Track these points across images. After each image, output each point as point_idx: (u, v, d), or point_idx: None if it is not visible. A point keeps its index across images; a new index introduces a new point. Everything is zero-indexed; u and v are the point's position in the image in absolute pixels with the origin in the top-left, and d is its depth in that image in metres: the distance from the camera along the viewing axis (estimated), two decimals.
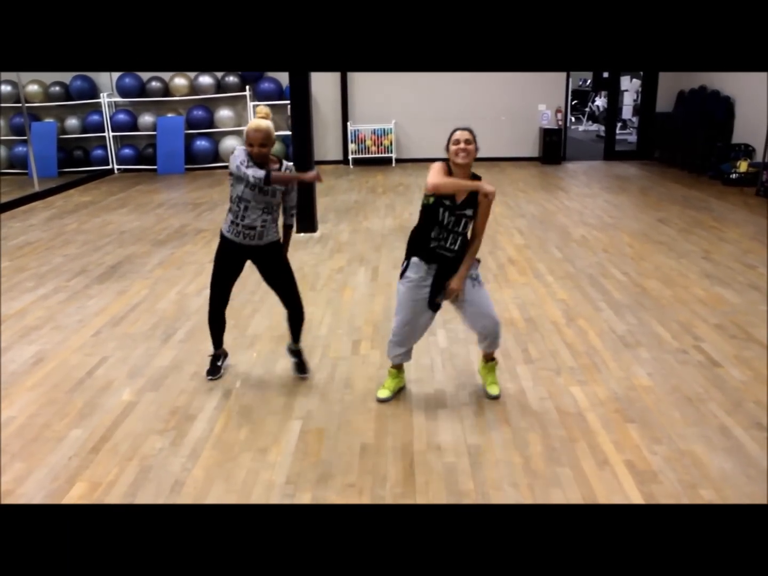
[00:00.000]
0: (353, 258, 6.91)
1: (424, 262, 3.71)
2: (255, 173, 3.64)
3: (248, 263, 4.09)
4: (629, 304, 5.38)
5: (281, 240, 4.11)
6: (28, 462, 3.41)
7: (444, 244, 3.66)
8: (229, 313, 5.37)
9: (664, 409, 3.78)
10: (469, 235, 3.73)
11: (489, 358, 3.99)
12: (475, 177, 3.66)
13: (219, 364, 4.33)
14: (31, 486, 3.21)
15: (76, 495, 3.14)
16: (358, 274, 6.36)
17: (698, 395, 3.93)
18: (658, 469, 3.23)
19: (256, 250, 3.98)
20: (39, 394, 4.12)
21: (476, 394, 4.00)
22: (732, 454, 3.34)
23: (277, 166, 3.88)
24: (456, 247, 3.68)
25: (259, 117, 3.79)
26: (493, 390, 3.96)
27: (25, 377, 4.35)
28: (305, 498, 3.10)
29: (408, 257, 3.79)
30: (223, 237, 4.00)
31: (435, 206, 3.61)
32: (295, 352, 4.31)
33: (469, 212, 3.63)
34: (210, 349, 4.38)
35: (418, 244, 3.73)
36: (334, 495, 3.11)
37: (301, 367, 4.28)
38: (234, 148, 3.82)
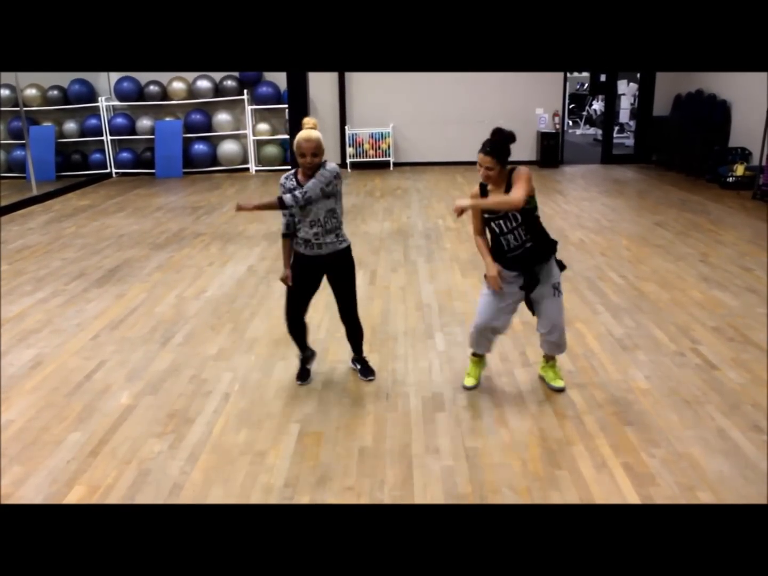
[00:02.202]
0: None
1: (507, 270, 3.84)
2: (292, 200, 3.72)
3: None
4: (627, 307, 5.39)
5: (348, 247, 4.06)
6: (27, 465, 3.41)
7: (517, 243, 3.76)
8: (228, 316, 5.40)
9: (662, 412, 3.79)
10: (532, 220, 3.75)
11: (549, 358, 4.12)
12: (510, 172, 3.69)
13: (309, 366, 4.34)
14: (30, 489, 3.21)
15: (74, 498, 3.14)
16: (357, 278, 6.35)
17: (696, 398, 3.94)
18: (655, 471, 3.24)
19: (320, 260, 3.96)
20: (37, 397, 4.12)
21: (474, 397, 4.01)
22: (729, 456, 3.35)
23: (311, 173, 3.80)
24: (525, 238, 3.75)
25: (308, 128, 3.76)
26: (558, 383, 4.08)
27: (23, 380, 4.35)
28: (303, 501, 3.10)
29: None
30: (294, 252, 4.02)
31: (485, 224, 3.83)
32: (358, 360, 4.34)
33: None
34: (210, 349, 4.37)
35: (495, 255, 3.87)
36: (332, 498, 3.11)
37: (365, 371, 4.29)
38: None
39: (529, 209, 3.69)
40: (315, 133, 3.72)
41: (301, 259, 4.00)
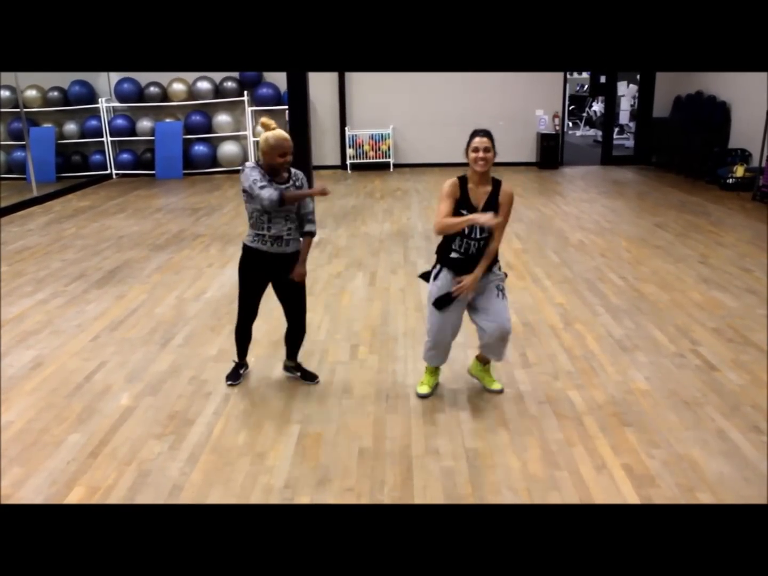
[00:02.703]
0: (351, 263, 6.92)
1: (452, 272, 3.78)
2: (270, 196, 3.66)
3: None
4: (627, 309, 5.39)
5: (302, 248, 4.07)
6: (27, 466, 3.41)
7: (472, 251, 3.72)
8: (228, 318, 5.39)
9: (662, 413, 3.79)
10: (486, 242, 3.75)
11: (485, 362, 4.07)
12: (496, 182, 3.72)
13: (241, 372, 4.34)
14: (30, 490, 3.21)
15: (74, 499, 3.14)
16: (356, 279, 6.37)
17: (695, 399, 3.94)
18: (655, 472, 3.24)
19: (281, 258, 3.96)
20: (37, 398, 4.12)
21: (474, 399, 4.01)
22: (729, 457, 3.35)
23: (287, 175, 3.89)
24: (480, 252, 3.73)
25: (271, 128, 3.78)
26: (496, 386, 4.07)
27: (23, 382, 4.35)
28: (303, 502, 3.10)
29: (437, 264, 3.87)
30: (247, 248, 3.99)
31: (454, 215, 3.70)
32: (294, 368, 4.32)
33: (491, 225, 3.65)
34: (210, 350, 4.38)
35: (444, 254, 3.82)
36: (332, 499, 3.11)
37: (307, 375, 4.28)
38: (244, 167, 3.81)
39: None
40: (286, 134, 3.80)
41: (258, 255, 3.96)
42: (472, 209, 3.66)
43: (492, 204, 3.67)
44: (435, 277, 3.85)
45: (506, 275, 3.93)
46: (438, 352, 3.97)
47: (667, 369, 4.32)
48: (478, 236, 3.69)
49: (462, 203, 3.69)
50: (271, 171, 3.82)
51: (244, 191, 3.82)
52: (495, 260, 3.84)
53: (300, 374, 4.29)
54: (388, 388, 4.15)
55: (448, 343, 3.96)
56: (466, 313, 3.93)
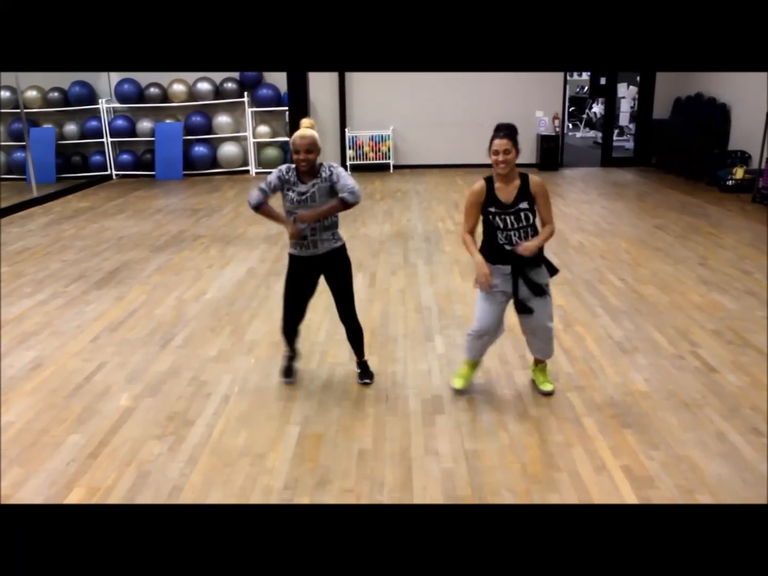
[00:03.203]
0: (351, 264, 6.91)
1: (501, 264, 3.78)
2: (250, 198, 3.82)
3: None
4: (626, 310, 5.39)
5: (343, 247, 4.06)
6: (26, 467, 3.41)
7: (512, 241, 3.73)
8: (228, 318, 5.40)
9: (661, 415, 3.79)
10: (537, 226, 3.79)
11: (539, 361, 4.12)
12: (523, 176, 3.73)
13: (294, 364, 4.34)
14: (29, 491, 3.21)
15: (74, 500, 3.14)
16: (356, 280, 6.33)
17: (695, 401, 3.94)
18: (654, 474, 3.24)
19: (315, 260, 3.96)
20: (37, 399, 4.13)
21: (474, 400, 4.01)
22: (728, 459, 3.35)
23: (316, 173, 3.84)
24: (527, 239, 3.74)
25: (304, 127, 3.82)
26: (546, 387, 4.07)
27: (23, 382, 4.35)
28: (303, 503, 3.10)
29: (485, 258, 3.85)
30: (289, 254, 4.03)
31: (485, 215, 3.77)
32: (359, 364, 4.31)
33: (524, 205, 3.70)
34: (210, 351, 4.37)
35: (490, 250, 3.81)
36: (331, 500, 3.11)
37: (363, 374, 4.27)
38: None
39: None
40: (310, 131, 3.77)
41: (296, 260, 4.00)
42: (503, 206, 3.69)
43: (524, 197, 3.69)
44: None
45: (555, 272, 3.90)
46: (480, 343, 4.00)
47: (667, 371, 4.33)
48: (516, 227, 3.71)
49: (490, 203, 3.71)
50: (298, 170, 3.84)
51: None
52: (542, 259, 3.83)
53: (358, 371, 4.30)
54: (387, 390, 4.16)
55: (493, 334, 3.99)
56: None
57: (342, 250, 4.03)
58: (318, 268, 4.01)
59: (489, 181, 3.75)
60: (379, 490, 3.17)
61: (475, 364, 4.15)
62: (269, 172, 3.97)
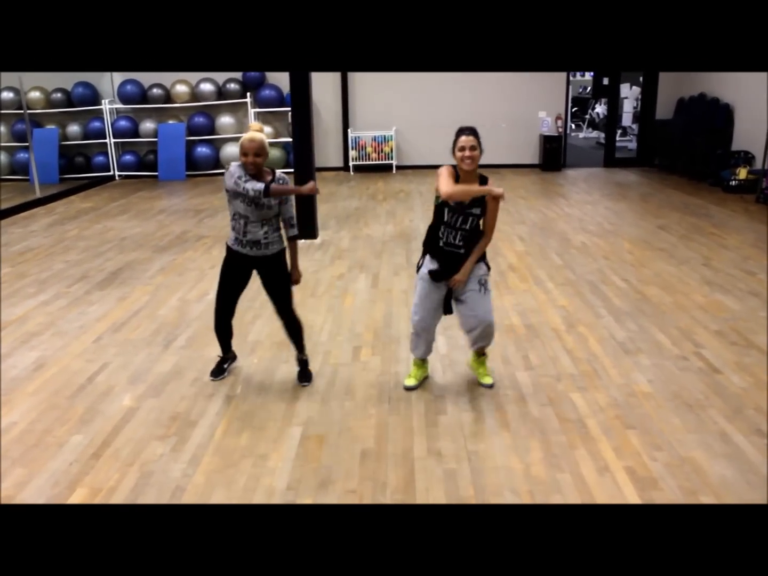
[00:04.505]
0: (354, 265, 6.92)
1: (436, 260, 3.89)
2: (254, 186, 3.73)
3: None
4: (629, 311, 5.38)
5: (287, 249, 4.15)
6: (29, 468, 3.41)
7: (452, 241, 3.83)
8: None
9: (665, 416, 3.78)
10: (477, 232, 3.86)
11: (480, 353, 4.17)
12: (483, 178, 3.76)
13: (225, 366, 4.40)
14: (32, 492, 3.21)
15: (76, 500, 3.15)
16: (359, 281, 6.37)
17: (698, 402, 3.93)
18: (658, 475, 3.23)
19: (263, 260, 4.03)
20: (40, 399, 4.13)
21: (476, 401, 4.00)
22: (732, 460, 3.34)
23: (270, 177, 3.93)
24: (462, 243, 3.83)
25: (253, 130, 3.88)
26: (487, 380, 4.16)
27: (26, 383, 4.35)
28: (306, 504, 3.10)
29: (424, 254, 3.99)
30: (229, 249, 4.07)
31: (441, 206, 3.81)
32: (300, 362, 4.35)
33: (476, 211, 3.77)
34: (213, 352, 4.38)
35: (430, 242, 3.93)
36: (334, 501, 3.11)
37: (302, 375, 4.30)
38: (229, 165, 3.89)
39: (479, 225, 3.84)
40: (259, 135, 3.84)
41: (240, 258, 4.03)
42: (460, 204, 3.76)
43: (478, 202, 3.76)
44: (419, 268, 4.00)
45: (489, 269, 4.02)
46: (420, 341, 4.09)
47: (670, 371, 4.32)
48: (460, 227, 3.78)
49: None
50: (250, 170, 3.86)
51: (227, 191, 3.90)
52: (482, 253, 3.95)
53: (298, 369, 4.33)
54: (390, 390, 4.15)
55: (431, 332, 4.08)
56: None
57: (284, 252, 4.12)
58: (260, 266, 4.07)
59: (455, 170, 3.79)
60: (381, 491, 3.17)
61: (423, 362, 4.23)
62: None
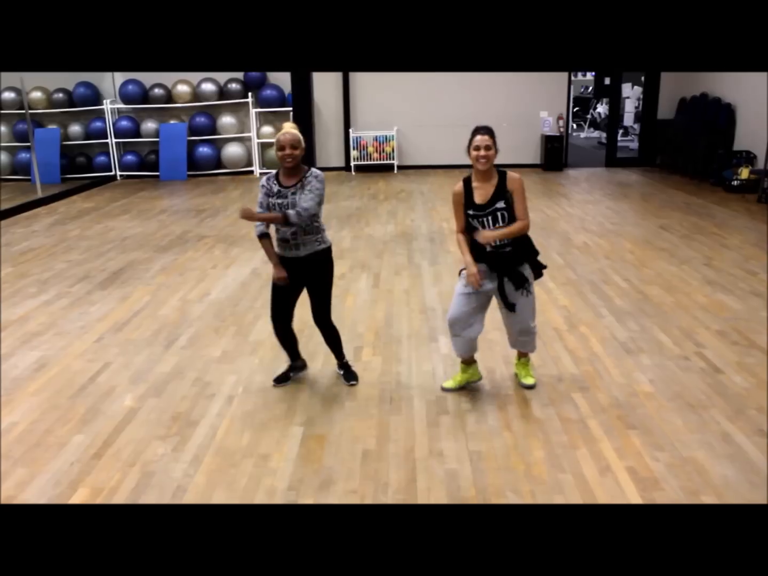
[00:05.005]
0: (355, 264, 6.92)
1: (484, 265, 3.84)
2: (256, 230, 3.93)
3: None
4: (631, 311, 5.38)
5: (327, 250, 4.05)
6: (31, 468, 3.41)
7: (496, 243, 3.77)
8: (232, 319, 5.40)
9: (666, 416, 3.77)
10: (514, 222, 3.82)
11: (522, 355, 4.18)
12: (501, 173, 3.77)
13: (291, 375, 4.34)
14: (34, 492, 3.21)
15: (78, 501, 3.15)
16: (360, 281, 6.37)
17: (700, 402, 3.92)
18: (660, 476, 3.23)
19: (297, 261, 3.96)
20: (41, 399, 4.13)
21: (478, 401, 4.00)
22: (734, 460, 3.33)
23: (300, 176, 3.86)
24: (507, 241, 3.78)
25: (287, 127, 3.86)
26: (528, 380, 4.14)
27: (27, 383, 4.35)
28: (307, 504, 3.09)
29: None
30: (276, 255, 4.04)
31: (465, 218, 3.84)
32: (340, 366, 4.34)
33: (500, 205, 3.73)
34: (214, 352, 4.37)
35: (474, 250, 3.85)
36: (336, 501, 3.11)
37: (346, 376, 4.29)
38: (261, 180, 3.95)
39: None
40: (293, 130, 3.82)
41: (284, 262, 3.99)
42: (479, 208, 3.75)
43: (500, 196, 3.73)
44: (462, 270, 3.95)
45: (539, 275, 3.96)
46: (457, 338, 4.00)
47: (672, 371, 4.31)
48: (495, 225, 3.75)
49: (468, 205, 3.78)
50: (283, 171, 3.86)
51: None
52: (532, 254, 3.90)
53: (342, 372, 4.31)
54: (391, 390, 4.15)
55: (466, 329, 3.95)
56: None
57: (324, 253, 4.01)
58: (300, 270, 3.99)
59: (467, 182, 3.80)
60: (383, 491, 3.16)
61: (469, 366, 4.14)
62: (273, 173, 3.97)
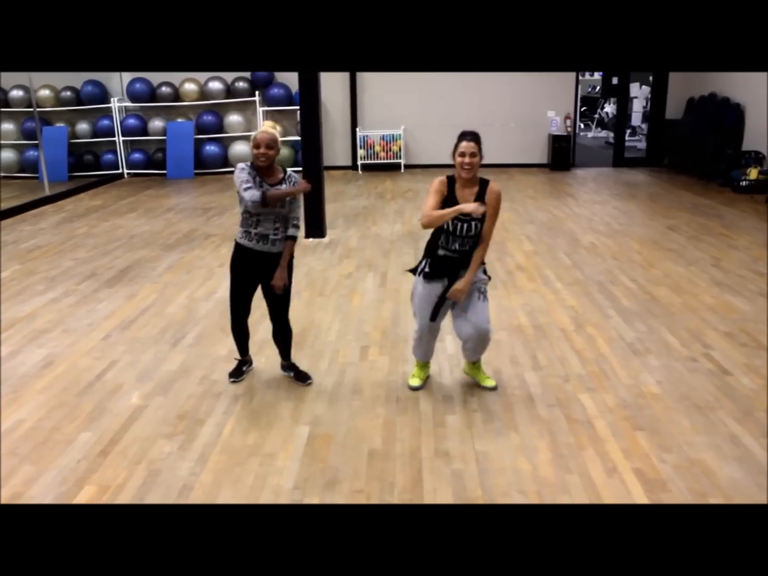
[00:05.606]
0: (362, 264, 6.92)
1: (437, 265, 3.87)
2: (252, 197, 3.72)
3: None
4: (638, 312, 5.36)
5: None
6: (38, 465, 3.42)
7: (456, 248, 3.79)
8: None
9: (674, 417, 3.76)
10: (479, 239, 3.82)
11: (473, 360, 4.16)
12: (483, 182, 3.74)
13: (244, 369, 4.37)
14: (40, 489, 3.22)
15: (84, 498, 3.15)
16: (367, 280, 6.36)
17: (708, 403, 3.91)
18: (667, 477, 3.21)
19: (268, 256, 4.00)
20: (48, 397, 4.14)
21: (484, 401, 3.99)
22: (742, 463, 3.32)
23: (281, 176, 3.93)
24: (466, 249, 3.81)
25: (266, 126, 3.90)
26: (489, 383, 4.14)
27: (34, 380, 4.37)
28: (313, 503, 3.09)
29: (424, 257, 3.96)
30: (237, 245, 4.05)
31: (447, 223, 3.75)
32: (288, 367, 4.35)
33: (479, 216, 3.71)
34: (221, 351, 4.38)
35: (432, 251, 3.90)
36: (341, 501, 3.10)
37: (300, 376, 4.29)
38: (236, 167, 3.89)
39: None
40: (271, 129, 3.85)
41: (246, 254, 4.01)
42: (463, 213, 3.70)
43: (481, 203, 3.71)
44: (421, 271, 3.95)
45: (489, 278, 4.01)
46: (423, 343, 4.09)
47: (679, 373, 4.29)
48: (464, 234, 3.74)
49: (449, 203, 3.72)
50: (260, 170, 3.87)
51: (238, 191, 3.90)
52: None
53: (293, 374, 4.31)
54: (398, 390, 4.14)
55: (434, 336, 4.09)
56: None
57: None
58: (266, 264, 4.02)
59: (450, 179, 3.77)
60: (389, 491, 3.16)
61: (426, 363, 4.23)
62: None
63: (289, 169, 4.02)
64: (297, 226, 4.05)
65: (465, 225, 3.71)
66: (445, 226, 3.74)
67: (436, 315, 3.94)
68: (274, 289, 4.00)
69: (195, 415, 3.90)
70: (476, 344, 3.97)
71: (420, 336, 4.06)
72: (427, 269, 3.90)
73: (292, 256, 4.08)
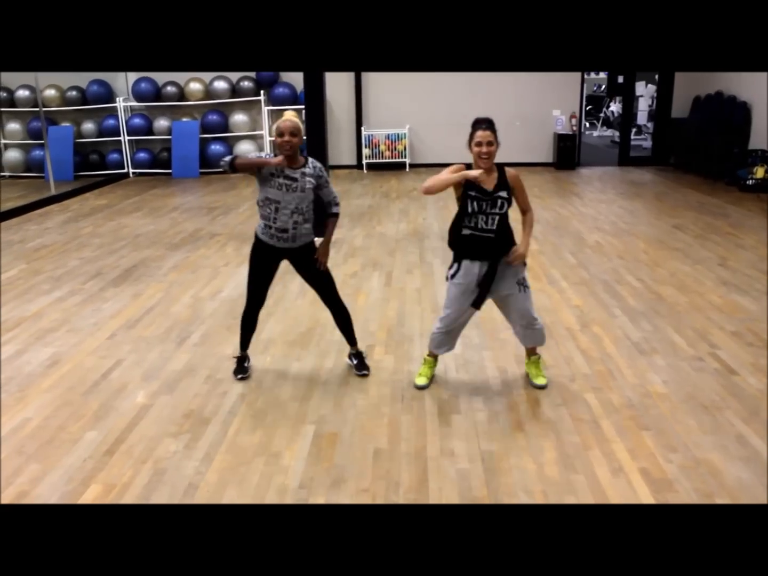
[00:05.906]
0: (367, 263, 6.91)
1: (470, 261, 3.81)
2: (224, 158, 3.82)
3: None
4: (644, 311, 5.34)
5: (315, 240, 4.16)
6: (44, 464, 3.43)
7: (485, 226, 3.73)
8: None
9: (680, 417, 3.75)
10: (507, 217, 3.80)
11: (531, 353, 4.16)
12: (499, 167, 3.76)
13: (245, 365, 4.39)
14: (46, 487, 3.23)
15: (90, 497, 3.16)
16: (372, 279, 6.36)
17: (714, 403, 3.89)
18: (673, 477, 3.20)
19: (291, 252, 4.05)
20: (54, 396, 4.15)
21: (490, 401, 3.99)
22: (749, 463, 3.30)
23: (304, 162, 3.96)
24: (496, 228, 3.75)
25: (289, 115, 3.93)
26: (540, 380, 4.12)
27: (40, 379, 4.38)
28: (318, 503, 3.09)
29: (456, 259, 3.89)
30: (257, 238, 4.08)
31: (464, 198, 3.74)
32: (354, 355, 4.38)
33: (503, 194, 3.71)
34: (226, 350, 4.38)
35: (454, 237, 3.84)
36: (347, 500, 3.10)
37: (361, 366, 4.33)
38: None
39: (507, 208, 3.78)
40: (294, 118, 3.88)
41: (267, 249, 4.04)
42: (484, 192, 3.70)
43: (503, 187, 3.72)
44: (454, 275, 3.90)
45: (525, 264, 3.95)
46: (448, 338, 4.07)
47: (686, 372, 4.28)
48: (493, 210, 3.72)
49: (472, 186, 3.69)
50: (286, 151, 3.86)
51: (257, 178, 3.94)
52: (511, 243, 3.86)
53: (356, 362, 4.35)
54: (403, 389, 4.14)
55: (459, 331, 4.09)
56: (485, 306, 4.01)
57: (312, 244, 4.14)
58: (290, 259, 4.11)
59: (468, 169, 3.73)
60: (394, 491, 3.16)
61: (435, 359, 4.22)
62: None
63: (311, 159, 4.03)
64: (337, 203, 4.14)
65: (491, 202, 3.68)
66: (470, 208, 3.70)
67: (480, 302, 3.89)
68: (318, 263, 4.08)
69: (200, 414, 3.91)
70: (525, 332, 4.00)
71: (448, 330, 4.02)
72: (467, 274, 3.83)
73: (315, 244, 4.13)
